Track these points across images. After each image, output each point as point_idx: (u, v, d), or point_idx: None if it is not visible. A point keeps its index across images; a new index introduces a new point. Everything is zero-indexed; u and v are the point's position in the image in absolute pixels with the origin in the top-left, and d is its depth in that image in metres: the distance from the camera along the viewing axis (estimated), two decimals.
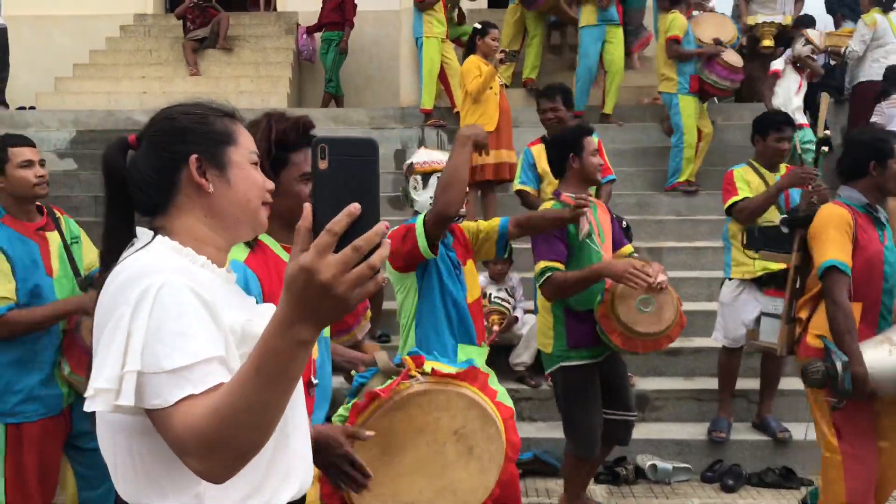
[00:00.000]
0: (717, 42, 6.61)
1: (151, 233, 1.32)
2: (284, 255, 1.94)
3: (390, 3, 8.71)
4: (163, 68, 9.35)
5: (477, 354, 2.92)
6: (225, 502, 1.24)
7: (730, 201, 4.26)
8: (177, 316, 1.15)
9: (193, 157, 1.31)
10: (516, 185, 5.10)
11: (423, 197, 2.94)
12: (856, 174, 3.14)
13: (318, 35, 9.36)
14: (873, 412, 3.03)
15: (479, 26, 6.02)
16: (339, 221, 0.95)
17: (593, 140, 3.52)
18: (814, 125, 6.70)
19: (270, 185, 1.41)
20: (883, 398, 3.00)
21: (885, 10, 6.98)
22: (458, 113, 7.65)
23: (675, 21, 6.54)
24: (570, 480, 3.70)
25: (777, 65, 6.84)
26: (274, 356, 1.00)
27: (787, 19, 7.61)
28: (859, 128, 3.55)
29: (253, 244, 1.82)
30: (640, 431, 4.61)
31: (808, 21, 7.35)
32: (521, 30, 8.29)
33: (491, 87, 5.67)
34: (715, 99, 7.49)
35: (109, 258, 1.31)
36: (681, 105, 6.62)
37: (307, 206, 1.00)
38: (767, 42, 7.47)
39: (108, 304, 1.20)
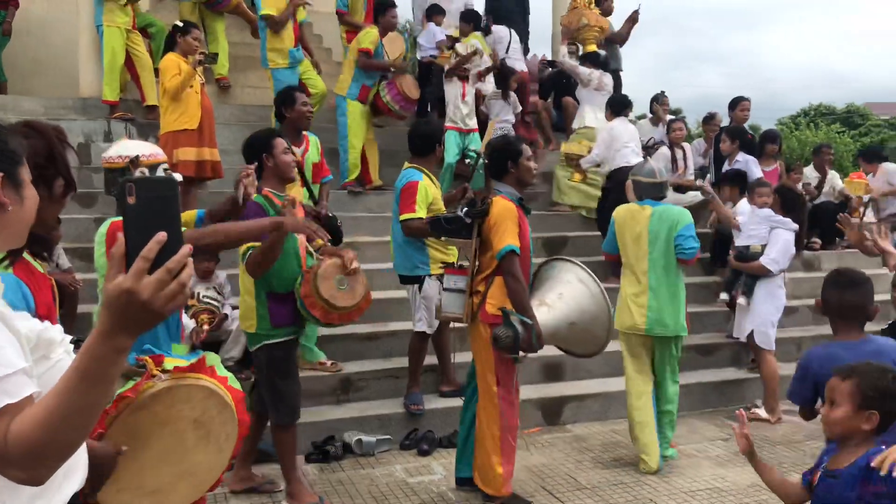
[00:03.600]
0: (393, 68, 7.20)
1: None
2: (35, 263, 1.96)
3: None
4: None
5: (183, 350, 3.09)
6: (16, 503, 1.32)
7: (407, 216, 4.80)
8: None
9: (1, 175, 1.34)
10: None
11: None
12: (501, 173, 4.03)
13: None
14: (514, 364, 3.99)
15: (180, 24, 5.94)
16: (152, 249, 1.14)
17: (283, 141, 4.00)
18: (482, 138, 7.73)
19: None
20: None
21: (484, 34, 8.28)
22: (147, 106, 7.44)
23: (368, 35, 7.06)
24: (286, 454, 4.01)
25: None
26: (96, 362, 1.15)
27: (456, 33, 8.55)
28: (498, 137, 4.61)
29: (17, 256, 1.83)
30: (346, 411, 5.07)
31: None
32: (202, 28, 8.22)
33: (192, 86, 5.66)
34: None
35: None
36: (348, 109, 7.12)
37: (120, 235, 1.17)
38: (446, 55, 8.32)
39: None
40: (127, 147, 3.18)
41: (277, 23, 6.86)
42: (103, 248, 2.95)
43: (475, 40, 7.88)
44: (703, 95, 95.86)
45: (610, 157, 7.01)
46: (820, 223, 8.04)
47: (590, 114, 7.80)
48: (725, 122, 8.29)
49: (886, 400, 2.24)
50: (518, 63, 8.51)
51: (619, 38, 8.81)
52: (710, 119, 8.67)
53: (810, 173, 8.74)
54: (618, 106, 7.25)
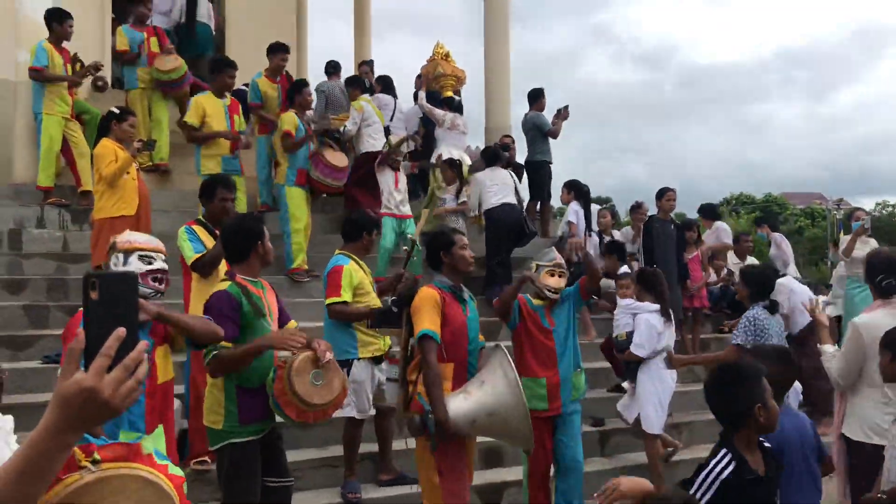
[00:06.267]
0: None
1: None
2: None
3: (3, 73, 8.06)
4: None
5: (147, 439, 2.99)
6: None
7: (332, 300, 4.87)
8: None
9: None
10: (195, 256, 4.73)
11: None
12: (437, 264, 4.11)
13: None
14: (464, 451, 3.90)
15: (116, 110, 5.98)
16: (112, 346, 1.16)
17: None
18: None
19: None
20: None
21: (370, 94, 8.85)
22: (83, 192, 7.39)
23: (287, 118, 7.26)
24: None
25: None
26: (41, 458, 1.15)
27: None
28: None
29: None
30: None
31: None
32: (147, 115, 8.31)
33: (128, 173, 5.67)
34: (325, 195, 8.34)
35: None
36: (287, 196, 7.22)
37: (81, 331, 1.18)
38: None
39: None
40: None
41: (195, 137, 6.97)
42: None
43: (364, 102, 8.22)
44: (631, 183, 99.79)
45: (476, 202, 7.99)
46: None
47: (445, 150, 8.75)
48: (653, 210, 8.68)
49: None
50: (400, 132, 9.00)
51: (551, 134, 9.23)
52: (637, 208, 9.07)
53: (732, 259, 9.17)
54: (490, 158, 8.20)
